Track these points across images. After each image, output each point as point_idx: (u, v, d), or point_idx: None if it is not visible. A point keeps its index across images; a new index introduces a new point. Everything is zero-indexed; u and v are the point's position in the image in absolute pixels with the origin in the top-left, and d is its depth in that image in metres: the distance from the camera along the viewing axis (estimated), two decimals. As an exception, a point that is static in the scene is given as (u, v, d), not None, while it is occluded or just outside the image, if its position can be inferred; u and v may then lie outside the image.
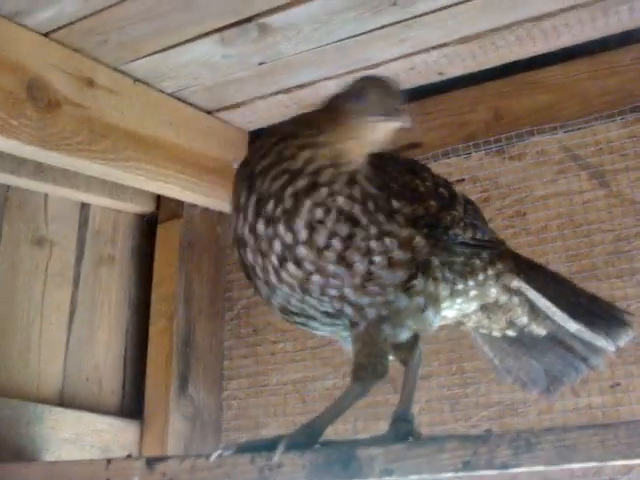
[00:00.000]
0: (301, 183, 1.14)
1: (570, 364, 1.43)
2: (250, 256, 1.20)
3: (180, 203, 2.12)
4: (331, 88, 1.97)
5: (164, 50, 1.81)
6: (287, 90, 2.02)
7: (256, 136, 2.23)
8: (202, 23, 1.72)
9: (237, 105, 2.09)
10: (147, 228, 2.20)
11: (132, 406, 2.05)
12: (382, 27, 1.76)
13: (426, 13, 1.72)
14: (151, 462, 1.26)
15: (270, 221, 1.15)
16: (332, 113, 1.17)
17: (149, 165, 1.89)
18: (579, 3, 1.76)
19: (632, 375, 1.68)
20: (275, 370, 2.04)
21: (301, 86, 2.00)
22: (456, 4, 1.69)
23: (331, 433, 1.90)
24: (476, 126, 1.96)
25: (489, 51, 1.89)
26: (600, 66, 1.89)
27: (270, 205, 1.15)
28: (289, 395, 2.00)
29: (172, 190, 1.99)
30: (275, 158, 1.17)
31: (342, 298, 1.18)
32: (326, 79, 1.97)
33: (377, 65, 1.91)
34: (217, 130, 2.14)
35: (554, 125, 1.87)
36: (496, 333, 1.46)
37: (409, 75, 1.96)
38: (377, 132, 1.15)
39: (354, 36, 1.79)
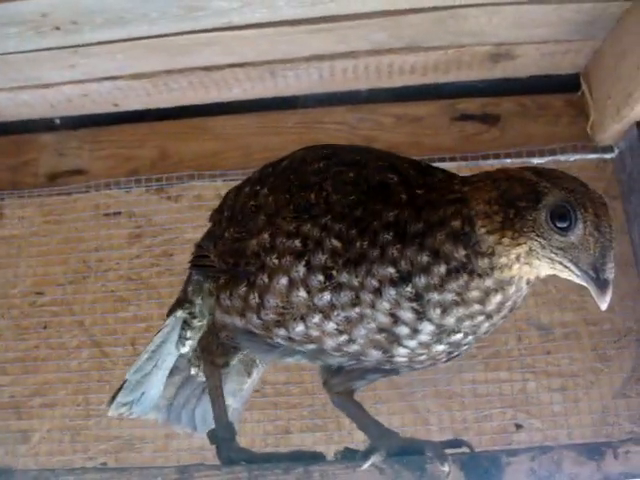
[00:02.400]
0: (498, 318, 0.98)
1: None
2: (402, 352, 1.02)
3: None
4: (1, 100, 1.93)
5: None
6: (-49, 94, 1.93)
7: None
8: None
9: None
10: None
11: None
12: (49, 49, 1.74)
13: (93, 43, 1.72)
14: None
15: (453, 345, 1.01)
16: (515, 222, 0.91)
17: None
18: (248, 61, 1.85)
19: (245, 420, 1.76)
20: None
21: (-33, 93, 1.92)
22: (122, 40, 1.71)
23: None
24: (142, 162, 1.98)
25: (163, 91, 1.93)
26: (267, 123, 1.99)
27: (459, 336, 0.98)
28: None
29: None
30: (459, 297, 0.94)
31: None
32: (-5, 90, 1.91)
33: (49, 85, 1.89)
34: None
35: (214, 172, 1.93)
36: None
37: (83, 101, 1.96)
38: (564, 275, 0.93)
39: (20, 52, 1.75)
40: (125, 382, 1.39)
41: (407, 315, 0.96)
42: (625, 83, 1.70)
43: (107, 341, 1.84)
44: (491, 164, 1.89)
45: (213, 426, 1.37)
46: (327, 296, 0.98)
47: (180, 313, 1.34)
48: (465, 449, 1.08)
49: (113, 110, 2.01)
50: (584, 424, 1.72)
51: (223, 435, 1.15)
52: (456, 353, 1.05)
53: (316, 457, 1.07)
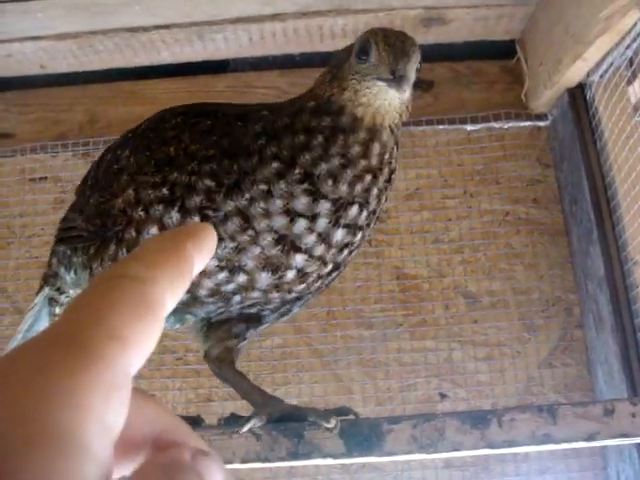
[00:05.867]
0: (382, 180, 1.01)
1: None
2: (299, 259, 1.01)
3: None
4: None
5: None
6: None
7: None
8: None
9: None
10: None
11: None
12: (-40, 5, 1.69)
13: (10, 1, 1.68)
14: None
15: (354, 227, 1.01)
16: (337, 75, 0.99)
17: None
18: (173, 23, 1.80)
19: (167, 388, 1.74)
20: None
21: None
22: (38, -2, 1.67)
23: None
24: (70, 126, 1.93)
25: (90, 53, 1.88)
26: (197, 87, 1.95)
27: (354, 210, 0.99)
28: None
29: None
30: (344, 159, 0.97)
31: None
32: None
33: (-33, 45, 1.84)
34: None
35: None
36: None
37: (8, 62, 1.90)
38: (384, 98, 0.97)
39: None
40: None
41: (302, 201, 0.97)
42: (556, 49, 1.67)
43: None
44: (423, 130, 1.86)
45: None
46: None
47: (47, 290, 1.31)
48: (351, 417, 1.06)
49: (40, 72, 1.95)
50: (509, 394, 1.71)
51: None
52: (353, 248, 1.04)
53: (195, 422, 1.04)
